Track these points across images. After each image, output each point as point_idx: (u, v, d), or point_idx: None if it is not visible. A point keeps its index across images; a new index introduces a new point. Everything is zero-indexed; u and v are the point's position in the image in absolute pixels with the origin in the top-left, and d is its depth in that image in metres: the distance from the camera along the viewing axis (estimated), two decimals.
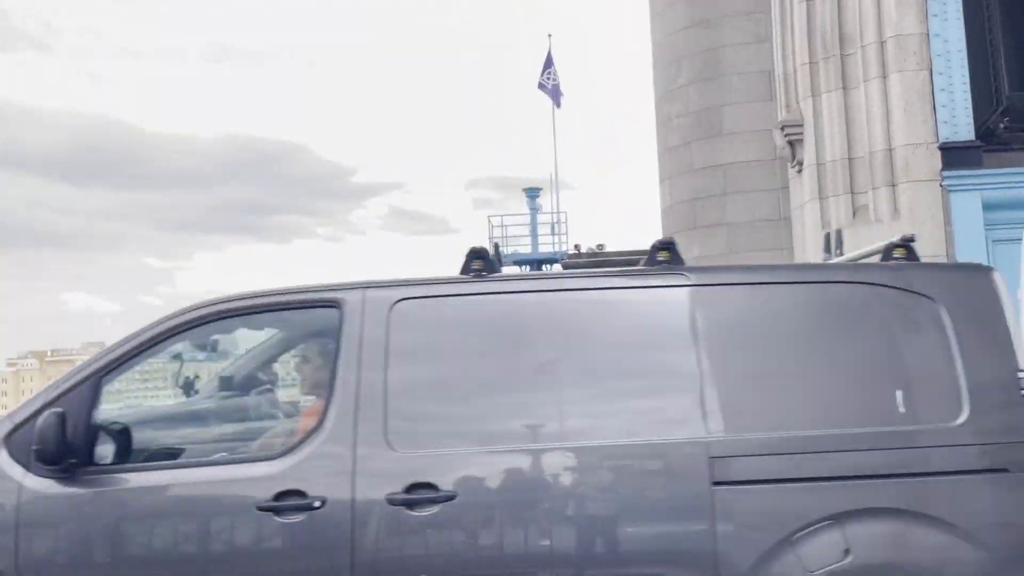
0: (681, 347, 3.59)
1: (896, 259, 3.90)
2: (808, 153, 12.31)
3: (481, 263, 3.83)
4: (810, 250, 12.42)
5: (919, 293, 3.66)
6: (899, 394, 3.55)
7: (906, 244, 3.94)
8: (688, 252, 14.71)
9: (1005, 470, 3.46)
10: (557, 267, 26.76)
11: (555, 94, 27.38)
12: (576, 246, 26.48)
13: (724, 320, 3.68)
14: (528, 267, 27.27)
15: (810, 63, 12.24)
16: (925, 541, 3.37)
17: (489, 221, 27.86)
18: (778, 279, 3.91)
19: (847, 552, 3.35)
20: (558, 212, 27.53)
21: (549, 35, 28.29)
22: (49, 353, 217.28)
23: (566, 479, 3.49)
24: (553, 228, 27.28)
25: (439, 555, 3.39)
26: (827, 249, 4.69)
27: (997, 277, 3.73)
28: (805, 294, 3.80)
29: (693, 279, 3.76)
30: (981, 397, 3.52)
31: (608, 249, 26.23)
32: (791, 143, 12.64)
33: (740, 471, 3.40)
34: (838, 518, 3.37)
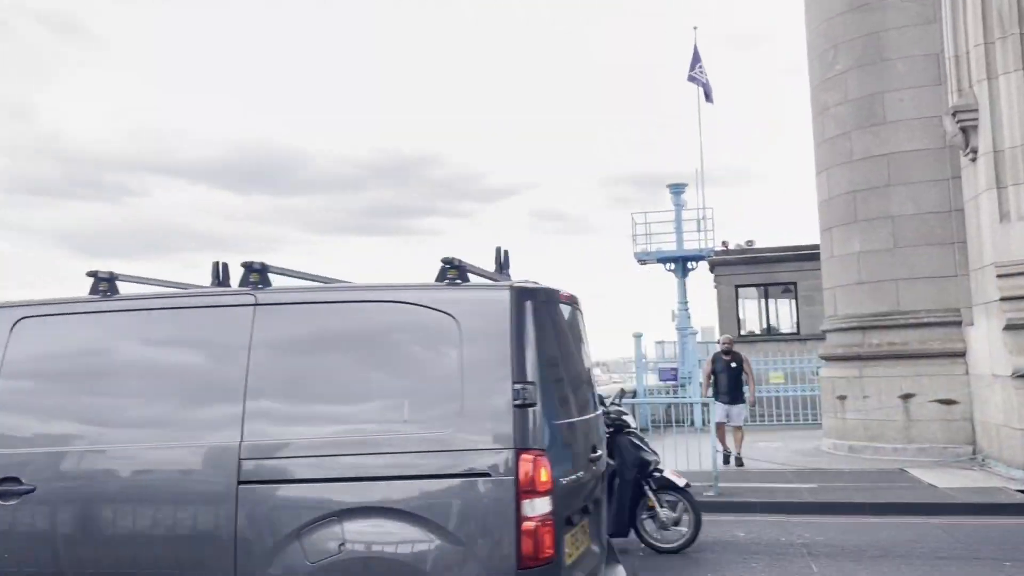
0: (235, 361, 4.07)
1: (449, 279, 4.15)
2: (983, 139, 11.49)
3: (107, 284, 4.47)
4: (987, 243, 11.62)
5: (442, 311, 3.99)
6: (406, 403, 3.90)
7: (456, 264, 4.15)
8: (848, 247, 14.15)
9: (487, 475, 3.73)
10: (704, 264, 26.19)
11: (707, 88, 26.65)
12: (724, 242, 25.88)
13: (275, 337, 4.13)
14: (673, 264, 26.84)
15: (985, 43, 11.43)
16: (411, 537, 3.70)
17: (632, 218, 27.44)
18: (331, 299, 4.29)
19: (342, 546, 3.73)
20: (704, 208, 26.80)
21: (694, 27, 27.70)
22: None
23: (123, 476, 4.07)
24: (699, 224, 26.59)
25: (20, 538, 4.04)
26: (498, 267, 4.92)
27: (517, 296, 3.97)
28: (351, 312, 4.19)
29: (261, 299, 4.23)
30: (475, 408, 3.83)
31: (758, 245, 25.52)
32: (964, 129, 11.84)
33: (263, 472, 3.87)
34: (340, 515, 3.76)
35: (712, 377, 13.37)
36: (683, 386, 20.30)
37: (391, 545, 3.72)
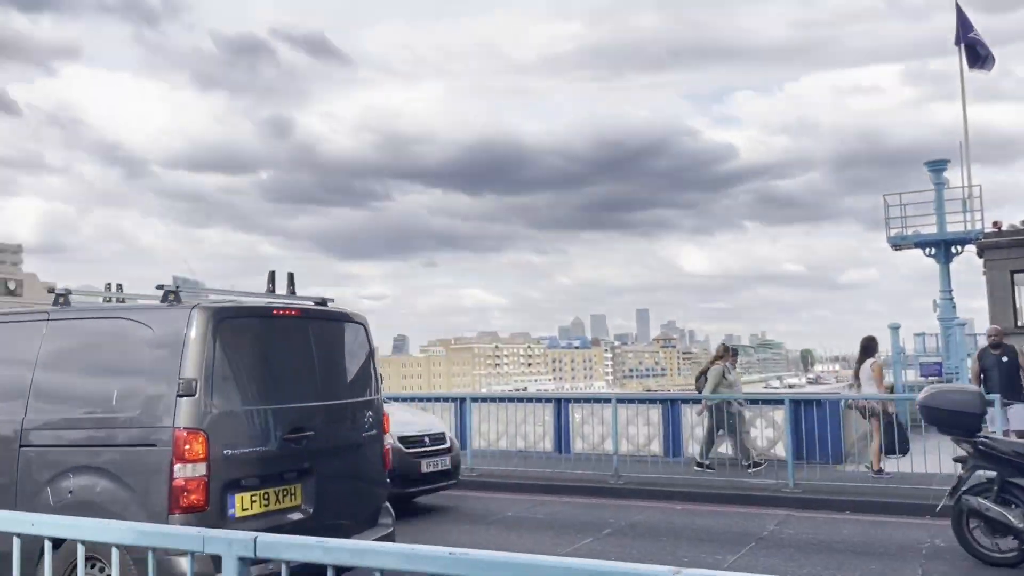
0: (30, 360, 5.78)
1: (169, 301, 5.59)
2: None
3: None
4: None
5: (146, 324, 5.49)
6: (116, 393, 5.42)
7: (172, 289, 5.61)
8: None
9: (154, 445, 5.17)
10: (970, 247, 23.77)
11: (983, 50, 23.81)
12: (995, 223, 23.28)
13: (55, 344, 5.81)
14: (933, 249, 24.59)
15: None
16: (109, 488, 5.20)
17: (884, 200, 25.37)
18: (89, 316, 5.98)
19: (71, 493, 5.30)
20: (970, 186, 24.25)
21: None
22: (452, 341, 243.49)
23: None
24: (964, 204, 24.09)
25: None
26: (271, 287, 6.37)
27: (198, 314, 5.33)
28: (97, 326, 5.83)
29: (52, 316, 5.93)
30: (154, 396, 5.26)
31: None
32: None
33: (34, 439, 5.57)
34: (71, 471, 5.36)
35: (982, 375, 12.08)
36: (949, 382, 18.57)
37: (98, 493, 5.22)
